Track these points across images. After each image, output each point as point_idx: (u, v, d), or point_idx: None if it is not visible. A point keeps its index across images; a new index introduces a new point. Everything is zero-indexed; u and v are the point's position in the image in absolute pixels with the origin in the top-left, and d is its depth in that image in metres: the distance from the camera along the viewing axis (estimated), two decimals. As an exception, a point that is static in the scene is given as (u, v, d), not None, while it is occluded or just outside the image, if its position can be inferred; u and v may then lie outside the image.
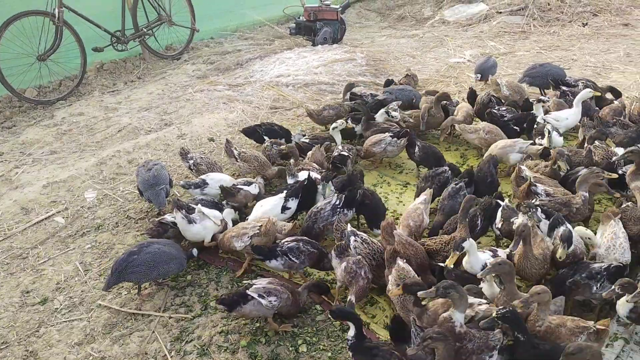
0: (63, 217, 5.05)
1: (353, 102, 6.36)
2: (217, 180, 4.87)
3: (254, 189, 4.83)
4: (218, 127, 6.73)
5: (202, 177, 4.93)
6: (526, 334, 3.04)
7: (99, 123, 6.90)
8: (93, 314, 3.95)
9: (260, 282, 3.68)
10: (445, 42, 9.73)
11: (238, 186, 4.78)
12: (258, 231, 4.10)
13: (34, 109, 7.42)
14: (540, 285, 3.25)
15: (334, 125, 5.77)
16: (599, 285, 3.50)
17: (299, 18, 9.49)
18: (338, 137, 5.78)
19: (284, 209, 4.53)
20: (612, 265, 3.55)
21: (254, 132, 5.85)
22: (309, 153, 5.42)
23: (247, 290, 3.58)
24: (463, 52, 9.09)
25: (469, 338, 3.05)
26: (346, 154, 5.38)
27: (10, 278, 4.33)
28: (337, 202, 4.43)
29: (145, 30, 8.68)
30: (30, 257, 4.57)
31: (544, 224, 3.96)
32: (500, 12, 10.92)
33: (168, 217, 4.37)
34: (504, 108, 6.08)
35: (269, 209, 4.49)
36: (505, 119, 5.86)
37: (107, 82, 8.28)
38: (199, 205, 4.38)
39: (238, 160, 5.22)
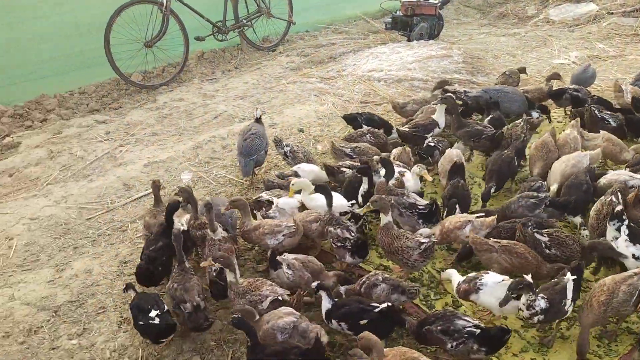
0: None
1: (442, 97, 6.21)
2: (307, 171, 4.94)
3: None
4: (308, 119, 6.80)
5: (294, 168, 5.03)
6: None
7: (197, 109, 7.20)
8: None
9: (289, 256, 3.90)
10: (549, 42, 9.24)
11: (342, 168, 4.85)
12: (294, 230, 4.12)
13: (138, 92, 7.86)
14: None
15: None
16: (454, 344, 3.26)
17: (395, 12, 9.37)
18: (442, 119, 5.62)
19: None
20: (479, 331, 3.26)
21: (354, 119, 5.87)
22: (395, 152, 5.33)
23: (276, 257, 3.86)
24: (568, 54, 8.59)
25: None
26: (433, 144, 5.28)
27: (110, 248, 4.62)
28: (422, 209, 4.33)
29: (245, 21, 8.94)
30: (129, 230, 4.85)
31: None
32: (612, 13, 10.19)
33: (264, 196, 4.54)
34: (608, 113, 5.68)
35: (334, 206, 4.42)
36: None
37: (207, 70, 8.61)
38: (276, 201, 4.51)
39: (355, 156, 5.22)
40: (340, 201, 4.47)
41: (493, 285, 3.57)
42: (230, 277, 3.64)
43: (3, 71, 7.18)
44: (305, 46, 9.53)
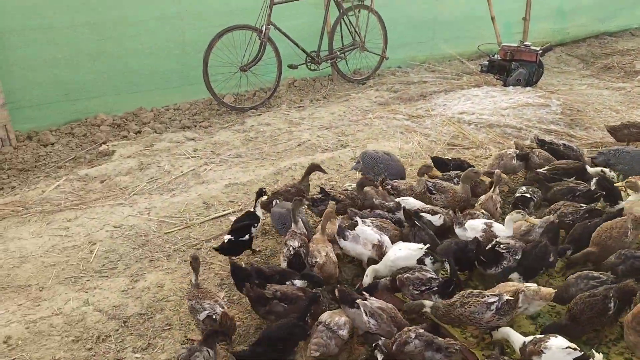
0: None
1: (541, 146, 5.89)
2: (410, 204, 4.84)
3: (437, 220, 4.69)
4: (392, 156, 6.67)
5: (398, 199, 4.94)
6: None
7: (282, 135, 7.28)
8: (248, 316, 4.07)
9: (374, 302, 3.68)
10: (658, 100, 8.61)
11: (421, 213, 4.68)
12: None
13: (229, 113, 8.09)
14: None
15: None
16: None
17: (493, 56, 9.11)
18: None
19: (420, 262, 4.13)
20: None
21: (443, 164, 5.67)
22: (482, 198, 5.07)
23: (356, 300, 3.65)
24: (679, 114, 7.95)
25: None
26: (529, 196, 4.98)
27: (183, 265, 4.67)
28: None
29: (338, 53, 9.04)
30: (203, 250, 4.90)
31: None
32: None
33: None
34: None
35: (403, 256, 4.15)
36: None
37: (295, 98, 8.74)
38: (359, 227, 4.38)
39: (434, 192, 5.06)
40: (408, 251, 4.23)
41: (557, 350, 3.24)
42: (193, 277, 3.86)
43: (108, 82, 7.64)
44: (395, 82, 9.46)
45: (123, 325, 3.99)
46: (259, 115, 7.99)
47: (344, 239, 4.37)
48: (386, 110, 8.15)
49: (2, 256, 4.71)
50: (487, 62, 9.09)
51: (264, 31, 7.91)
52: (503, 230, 4.42)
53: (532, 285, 3.78)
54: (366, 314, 3.58)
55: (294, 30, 8.48)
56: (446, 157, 5.89)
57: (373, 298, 3.74)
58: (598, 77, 10.27)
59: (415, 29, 10.37)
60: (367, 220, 4.55)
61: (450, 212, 4.80)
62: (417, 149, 6.86)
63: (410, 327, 3.50)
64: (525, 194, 4.99)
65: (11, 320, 3.98)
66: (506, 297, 3.62)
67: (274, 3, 7.96)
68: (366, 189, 5.01)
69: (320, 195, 5.00)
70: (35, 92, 7.15)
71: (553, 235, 4.33)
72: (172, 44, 8.03)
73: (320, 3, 9.04)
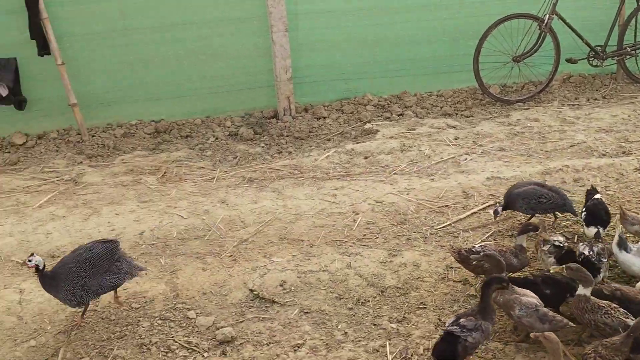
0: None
1: None
2: None
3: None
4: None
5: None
6: None
7: (552, 133, 6.73)
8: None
9: None
10: None
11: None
12: None
13: (492, 105, 7.78)
14: None
15: None
16: None
17: None
18: None
19: None
20: None
21: None
22: None
23: None
24: None
25: None
26: None
27: (440, 250, 4.62)
28: None
29: (629, 49, 7.96)
30: (460, 238, 4.80)
31: None
32: None
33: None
34: None
35: None
36: None
37: (570, 95, 7.99)
38: None
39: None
40: None
41: None
42: None
43: (377, 65, 7.94)
44: (698, 87, 7.99)
45: (381, 294, 4.13)
46: (527, 109, 7.51)
47: (626, 251, 3.80)
48: (684, 117, 6.93)
49: (282, 211, 5.29)
50: None
51: (545, 21, 7.36)
52: None
53: None
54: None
55: (579, 21, 7.74)
56: None
57: None
58: None
59: None
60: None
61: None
62: None
63: None
64: None
65: (286, 267, 4.45)
66: None
67: (562, -9, 7.34)
68: None
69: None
70: (315, 71, 7.85)
71: None
72: (442, 31, 7.99)
73: (614, -8, 8.06)
